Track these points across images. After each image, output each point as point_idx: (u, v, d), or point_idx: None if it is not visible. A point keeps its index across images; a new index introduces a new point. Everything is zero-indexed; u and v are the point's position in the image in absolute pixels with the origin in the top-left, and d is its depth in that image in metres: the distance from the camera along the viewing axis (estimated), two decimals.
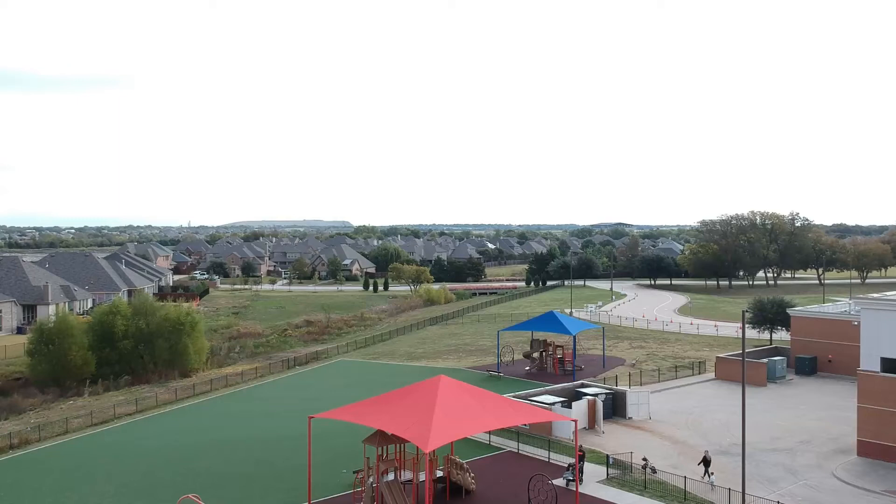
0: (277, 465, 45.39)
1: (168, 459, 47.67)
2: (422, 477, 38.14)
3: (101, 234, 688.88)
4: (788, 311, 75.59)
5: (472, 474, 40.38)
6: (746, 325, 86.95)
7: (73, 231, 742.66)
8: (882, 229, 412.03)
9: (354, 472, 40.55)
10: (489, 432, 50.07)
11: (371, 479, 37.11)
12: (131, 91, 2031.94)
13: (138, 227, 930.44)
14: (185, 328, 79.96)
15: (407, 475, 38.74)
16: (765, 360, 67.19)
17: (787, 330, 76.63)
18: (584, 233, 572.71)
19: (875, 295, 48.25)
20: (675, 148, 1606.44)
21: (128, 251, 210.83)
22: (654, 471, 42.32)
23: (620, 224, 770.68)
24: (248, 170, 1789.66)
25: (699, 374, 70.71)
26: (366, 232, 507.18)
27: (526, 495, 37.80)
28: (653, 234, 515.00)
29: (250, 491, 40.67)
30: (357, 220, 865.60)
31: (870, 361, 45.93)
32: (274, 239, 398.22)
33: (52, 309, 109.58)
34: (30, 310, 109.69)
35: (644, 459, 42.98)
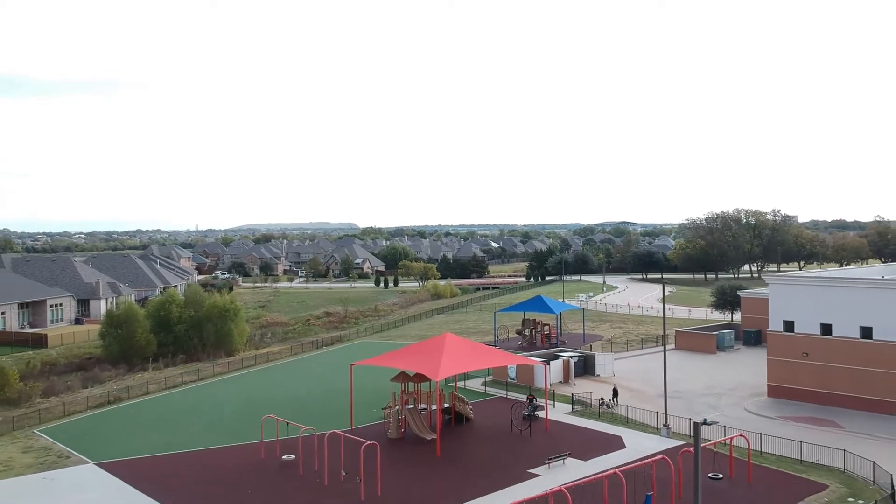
0: (325, 407, 59.30)
1: (235, 408, 61.77)
2: (434, 407, 52.06)
3: (111, 238, 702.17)
4: (739, 293, 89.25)
5: (471, 407, 54.40)
6: (711, 308, 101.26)
7: (82, 235, 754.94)
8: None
9: (383, 409, 54.47)
10: (485, 384, 64.24)
11: (397, 408, 51.06)
12: (132, 95, 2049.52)
13: (147, 230, 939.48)
14: (229, 314, 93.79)
15: (422, 406, 52.68)
16: (715, 333, 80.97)
17: None
18: (586, 231, 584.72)
19: (781, 273, 62.07)
20: (679, 147, 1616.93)
21: (153, 253, 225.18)
22: (608, 406, 56.24)
23: (625, 223, 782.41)
24: (253, 173, 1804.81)
25: (661, 344, 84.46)
26: (373, 233, 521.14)
27: (510, 421, 51.74)
28: (654, 232, 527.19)
29: (307, 422, 54.46)
30: (363, 222, 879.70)
31: (776, 324, 59.82)
32: (285, 241, 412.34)
33: (103, 303, 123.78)
34: (83, 304, 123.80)
35: (601, 399, 56.91)
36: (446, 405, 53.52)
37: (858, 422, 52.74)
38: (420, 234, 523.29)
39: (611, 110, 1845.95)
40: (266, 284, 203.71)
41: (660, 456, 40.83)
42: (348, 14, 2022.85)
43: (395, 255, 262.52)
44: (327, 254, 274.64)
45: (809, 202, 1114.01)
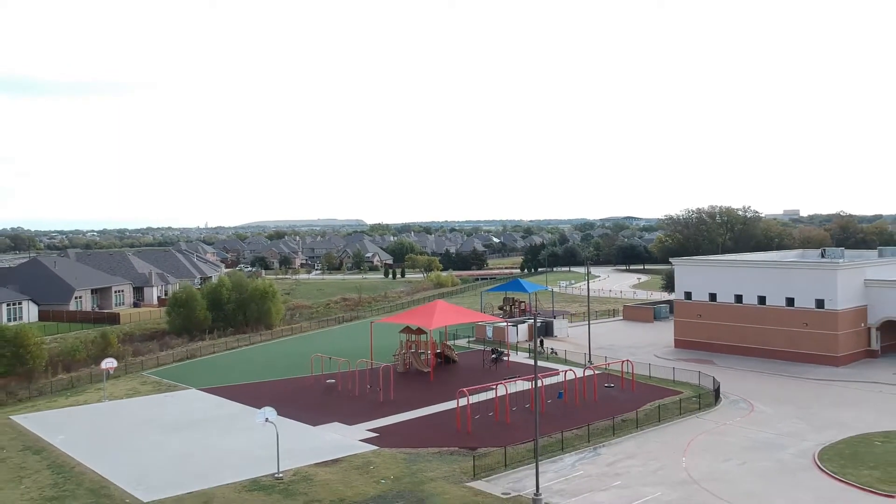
0: (351, 356, 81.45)
1: (285, 358, 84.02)
2: (429, 352, 74.08)
3: (124, 235, 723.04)
4: None
5: (456, 353, 76.53)
6: (662, 290, 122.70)
7: (95, 233, 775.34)
8: (876, 217, 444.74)
9: (394, 355, 76.53)
10: (469, 341, 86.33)
11: (403, 352, 73.15)
12: (136, 96, 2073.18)
13: (159, 228, 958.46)
14: (268, 296, 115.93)
15: (422, 351, 74.72)
16: (653, 306, 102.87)
17: None
18: (586, 226, 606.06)
19: (685, 258, 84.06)
20: (683, 144, 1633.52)
21: (182, 248, 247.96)
22: (554, 352, 78.29)
23: (629, 218, 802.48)
24: (260, 171, 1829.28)
25: (614, 317, 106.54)
26: (381, 229, 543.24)
27: (482, 361, 73.84)
28: (653, 227, 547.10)
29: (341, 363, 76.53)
30: (371, 219, 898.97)
31: (679, 294, 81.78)
32: (298, 238, 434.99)
33: (155, 290, 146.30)
34: (138, 290, 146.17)
35: (541, 343, 78.97)
36: (438, 351, 75.62)
37: (729, 361, 74.62)
38: (426, 230, 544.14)
39: (616, 107, 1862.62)
40: (286, 276, 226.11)
41: (568, 374, 62.87)
42: (351, 13, 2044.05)
43: (402, 249, 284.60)
44: (339, 249, 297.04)
45: (812, 198, 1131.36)
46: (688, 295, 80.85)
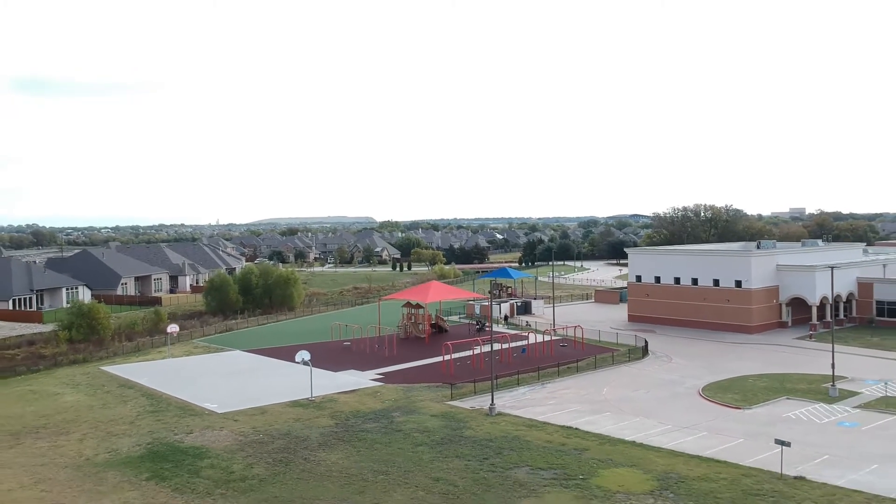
0: (365, 324, 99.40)
1: (308, 329, 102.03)
2: (426, 323, 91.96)
3: (139, 232, 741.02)
4: None
5: (448, 324, 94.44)
6: None
7: (109, 230, 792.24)
8: (874, 216, 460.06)
9: (397, 326, 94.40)
10: (460, 317, 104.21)
11: (405, 322, 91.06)
12: (143, 96, 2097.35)
13: (171, 225, 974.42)
14: (291, 282, 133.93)
15: (420, 323, 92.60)
16: (619, 290, 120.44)
17: None
18: (591, 224, 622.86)
19: (637, 248, 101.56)
20: (690, 141, 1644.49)
21: (205, 243, 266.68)
22: (528, 323, 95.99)
23: (635, 216, 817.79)
24: (270, 169, 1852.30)
25: (587, 300, 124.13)
26: (390, 226, 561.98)
27: (468, 329, 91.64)
28: (654, 225, 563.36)
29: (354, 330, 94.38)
30: (380, 216, 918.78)
31: (632, 277, 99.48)
32: (311, 234, 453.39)
33: (187, 279, 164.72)
34: (173, 279, 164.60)
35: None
36: (433, 322, 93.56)
37: (668, 330, 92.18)
38: (433, 227, 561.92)
39: (625, 105, 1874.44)
40: (302, 269, 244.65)
41: (534, 338, 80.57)
42: (358, 12, 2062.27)
43: (410, 244, 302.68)
44: (350, 244, 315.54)
45: (819, 197, 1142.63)
46: (638, 278, 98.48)
